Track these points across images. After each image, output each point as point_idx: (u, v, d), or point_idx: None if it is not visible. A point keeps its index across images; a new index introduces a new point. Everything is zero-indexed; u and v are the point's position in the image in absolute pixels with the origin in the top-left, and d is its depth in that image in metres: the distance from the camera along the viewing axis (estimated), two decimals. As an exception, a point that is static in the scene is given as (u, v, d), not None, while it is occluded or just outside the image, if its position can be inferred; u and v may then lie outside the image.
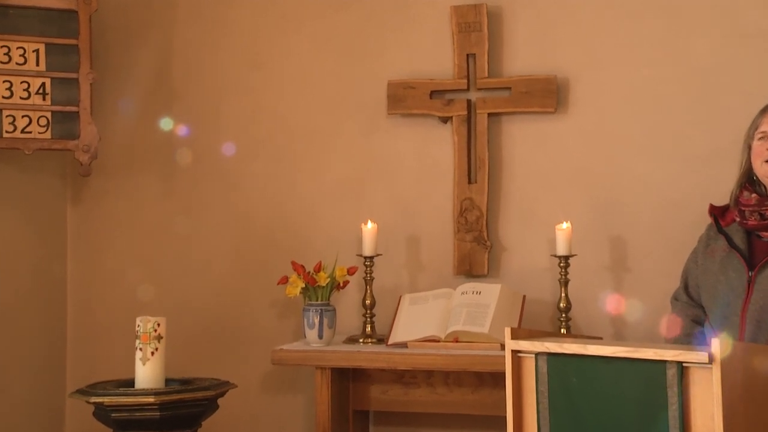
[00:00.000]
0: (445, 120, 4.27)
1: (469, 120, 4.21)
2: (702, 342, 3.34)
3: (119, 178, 4.56)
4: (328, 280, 4.03)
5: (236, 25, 4.50)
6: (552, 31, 4.20)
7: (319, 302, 4.04)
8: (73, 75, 4.21)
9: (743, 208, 3.39)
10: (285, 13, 4.47)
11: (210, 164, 4.49)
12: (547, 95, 4.12)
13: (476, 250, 4.16)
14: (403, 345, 3.96)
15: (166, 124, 4.53)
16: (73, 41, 4.21)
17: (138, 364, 3.85)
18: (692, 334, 3.44)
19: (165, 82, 4.52)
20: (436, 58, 4.28)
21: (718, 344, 2.76)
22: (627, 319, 4.06)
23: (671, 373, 2.83)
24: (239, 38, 4.50)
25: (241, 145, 4.46)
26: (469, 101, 4.23)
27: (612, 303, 4.06)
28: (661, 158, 4.07)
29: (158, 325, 3.84)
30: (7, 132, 4.15)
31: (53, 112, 4.19)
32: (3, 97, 4.14)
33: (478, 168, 4.18)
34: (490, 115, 4.21)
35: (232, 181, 4.47)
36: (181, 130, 4.49)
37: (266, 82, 4.45)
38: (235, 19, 4.50)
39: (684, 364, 2.82)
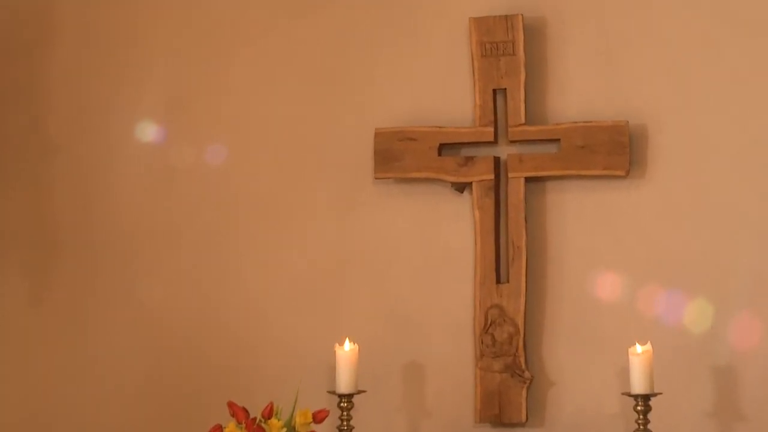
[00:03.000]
0: (461, 188, 3.67)
1: (497, 188, 3.67)
2: None
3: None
4: (284, 430, 3.53)
5: (150, 43, 3.99)
6: (623, 55, 3.69)
7: (270, 468, 3.71)
8: None
9: None
10: (222, 20, 3.95)
11: (105, 246, 4.02)
12: (616, 151, 3.57)
13: (509, 384, 3.62)
14: None
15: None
16: None
17: None
18: None
19: (41, 130, 3.95)
20: (447, 95, 3.78)
21: None
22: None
23: None
24: (153, 62, 4.02)
25: (155, 218, 3.97)
26: (497, 160, 3.65)
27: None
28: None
29: None
30: None
31: None
32: None
33: (512, 260, 3.64)
34: (528, 180, 3.65)
35: (139, 273, 3.99)
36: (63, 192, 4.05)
37: (192, 124, 3.95)
38: (149, 36, 3.91)
39: None
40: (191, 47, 4.00)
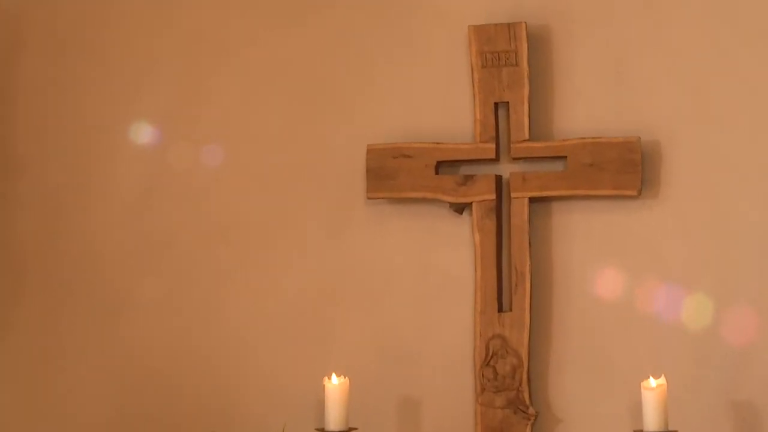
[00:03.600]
0: (460, 209, 3.56)
1: (499, 209, 3.54)
2: None
3: None
4: (270, 472, 3.31)
5: (125, 58, 3.80)
6: (634, 65, 3.54)
7: None
8: None
9: None
10: (205, 29, 3.78)
11: (75, 275, 3.89)
12: (627, 169, 3.42)
13: (512, 421, 3.50)
14: None
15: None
16: None
17: None
18: None
19: (7, 148, 3.83)
20: (444, 109, 3.66)
21: None
22: None
23: None
24: (128, 77, 3.82)
25: (130, 243, 3.83)
26: (498, 179, 3.52)
27: None
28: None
29: None
30: None
31: None
32: None
33: (515, 287, 3.50)
34: (533, 201, 3.49)
35: (114, 302, 3.85)
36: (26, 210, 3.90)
37: (172, 141, 3.83)
38: (123, 50, 3.75)
39: None
40: (172, 57, 3.87)
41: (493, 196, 3.58)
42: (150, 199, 3.90)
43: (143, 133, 3.89)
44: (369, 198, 3.69)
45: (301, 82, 3.82)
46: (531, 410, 3.49)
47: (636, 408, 3.35)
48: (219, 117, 3.90)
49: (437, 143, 3.65)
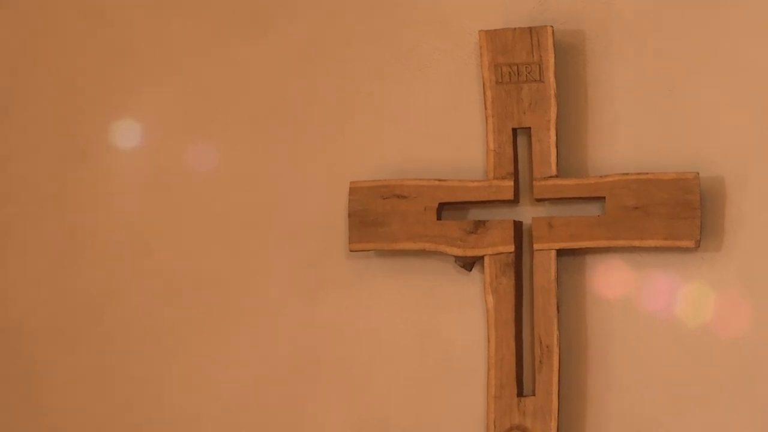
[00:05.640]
0: (468, 264, 3.14)
1: (518, 264, 3.10)
2: None
3: None
4: None
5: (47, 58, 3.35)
6: (691, 84, 3.08)
7: None
8: None
9: None
10: (152, 39, 3.28)
11: None
12: (682, 213, 2.99)
13: None
14: None
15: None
16: None
17: None
18: None
19: None
20: (449, 136, 3.19)
21: None
22: None
23: None
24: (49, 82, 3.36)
25: (56, 308, 3.34)
26: (518, 225, 3.10)
27: None
28: None
29: None
30: None
31: None
32: None
33: (539, 364, 3.08)
34: (561, 253, 3.06)
35: (27, 381, 3.33)
36: None
37: (95, 175, 3.33)
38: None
39: None
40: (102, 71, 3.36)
41: (512, 248, 3.19)
42: (75, 250, 3.44)
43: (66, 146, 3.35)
44: (352, 250, 3.27)
45: (267, 103, 3.39)
46: None
47: None
48: (161, 145, 3.43)
49: (439, 180, 3.26)
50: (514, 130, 3.12)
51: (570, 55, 3.17)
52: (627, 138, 3.15)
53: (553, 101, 3.09)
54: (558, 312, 3.08)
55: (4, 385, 3.45)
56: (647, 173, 3.05)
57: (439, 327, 3.21)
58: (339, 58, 3.32)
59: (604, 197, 3.05)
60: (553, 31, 3.03)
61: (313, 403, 3.28)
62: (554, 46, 3.08)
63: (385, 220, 3.19)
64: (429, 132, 3.24)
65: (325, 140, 3.31)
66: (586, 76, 3.17)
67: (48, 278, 3.42)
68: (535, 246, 3.09)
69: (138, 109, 3.39)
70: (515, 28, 3.09)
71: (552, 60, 3.08)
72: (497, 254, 3.14)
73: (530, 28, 3.07)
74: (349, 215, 3.19)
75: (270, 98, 3.38)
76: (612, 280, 3.15)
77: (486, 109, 3.14)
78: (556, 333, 3.05)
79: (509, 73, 3.12)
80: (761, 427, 3.08)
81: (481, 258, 3.15)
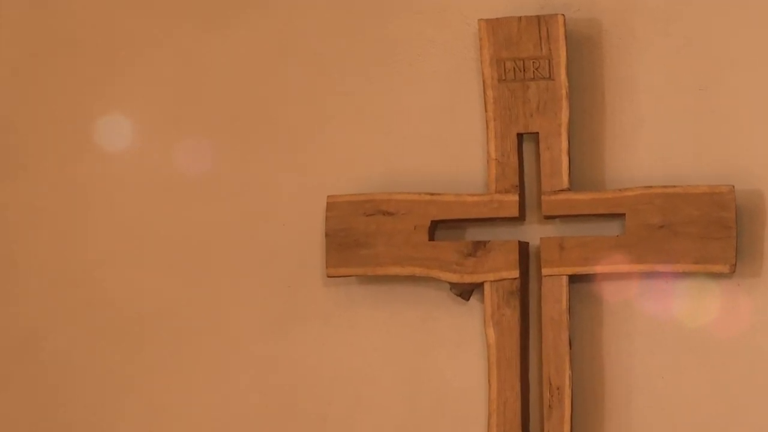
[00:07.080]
0: (466, 292, 2.93)
1: (524, 292, 2.90)
2: None
3: None
4: None
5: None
6: (723, 84, 2.90)
7: None
8: None
9: None
10: (106, 34, 3.00)
11: None
12: (714, 233, 2.78)
13: None
14: None
15: None
16: None
17: None
18: None
19: None
20: (443, 143, 2.98)
21: None
22: None
23: None
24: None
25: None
26: (524, 247, 2.91)
27: None
28: None
29: None
30: None
31: None
32: None
33: (549, 408, 2.84)
34: (574, 279, 2.85)
35: None
36: None
37: (30, 187, 3.11)
38: None
39: None
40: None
41: (516, 273, 2.99)
42: (8, 270, 3.20)
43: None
44: (330, 276, 3.08)
45: (230, 104, 3.18)
46: None
47: None
48: (108, 152, 3.14)
49: (432, 194, 3.04)
50: (520, 136, 2.89)
51: (584, 48, 2.93)
52: (651, 145, 2.91)
53: (564, 102, 2.86)
54: (570, 348, 2.86)
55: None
56: (674, 186, 2.82)
57: (433, 366, 2.99)
58: (314, 52, 3.09)
59: (624, 214, 2.83)
60: (564, 20, 2.83)
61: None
62: (566, 37, 2.85)
63: (368, 240, 2.96)
64: (420, 138, 3.01)
65: (298, 148, 3.07)
66: (603, 73, 2.95)
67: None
68: (544, 271, 2.88)
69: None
70: (521, 17, 2.87)
71: (563, 54, 2.84)
72: (499, 280, 2.94)
73: (538, 17, 2.85)
74: (327, 235, 2.97)
75: (234, 99, 3.17)
76: (633, 311, 2.91)
77: (487, 111, 2.91)
78: (568, 372, 2.84)
79: (514, 69, 2.91)
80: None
81: (481, 285, 2.93)
